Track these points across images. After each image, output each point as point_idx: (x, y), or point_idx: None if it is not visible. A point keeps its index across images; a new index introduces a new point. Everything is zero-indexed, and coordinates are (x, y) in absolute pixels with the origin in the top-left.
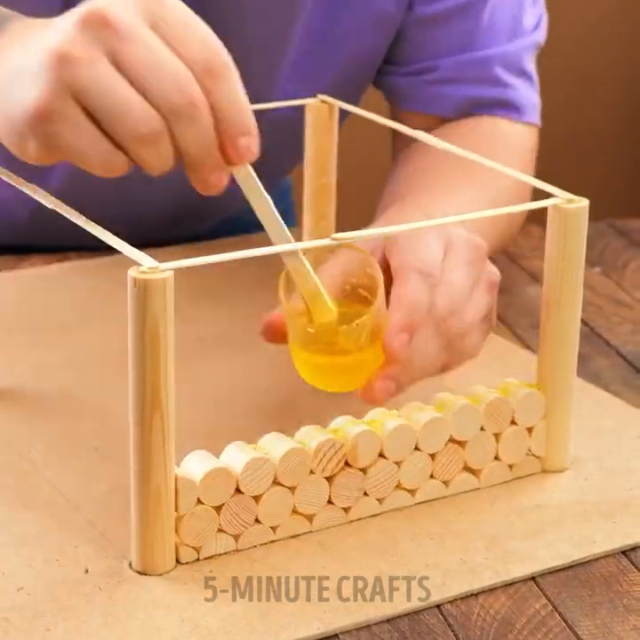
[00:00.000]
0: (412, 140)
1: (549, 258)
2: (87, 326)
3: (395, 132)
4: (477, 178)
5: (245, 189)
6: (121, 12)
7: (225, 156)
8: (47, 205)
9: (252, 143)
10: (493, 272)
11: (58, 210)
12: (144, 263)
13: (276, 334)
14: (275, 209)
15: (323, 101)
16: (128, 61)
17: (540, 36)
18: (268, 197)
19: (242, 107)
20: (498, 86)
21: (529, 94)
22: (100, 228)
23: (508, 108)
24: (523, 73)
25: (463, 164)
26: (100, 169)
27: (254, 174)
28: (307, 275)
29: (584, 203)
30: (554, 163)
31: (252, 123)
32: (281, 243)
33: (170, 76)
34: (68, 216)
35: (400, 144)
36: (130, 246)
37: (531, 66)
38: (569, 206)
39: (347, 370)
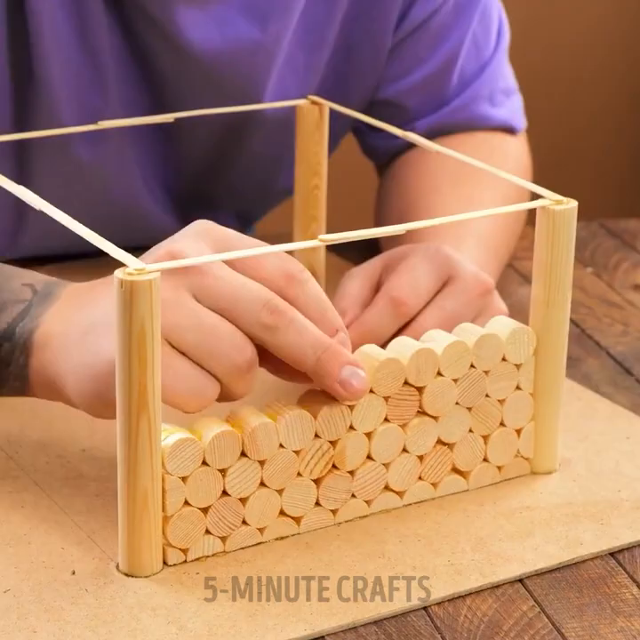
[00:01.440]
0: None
1: (538, 259)
2: None
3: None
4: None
5: None
6: (196, 253)
7: None
8: (35, 207)
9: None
10: (501, 309)
11: (46, 211)
12: (130, 264)
13: None
14: None
15: (313, 102)
16: (211, 295)
17: (505, 40)
18: None
19: (327, 305)
20: (479, 120)
21: (511, 107)
22: (87, 229)
23: (496, 130)
24: (500, 91)
25: (459, 178)
26: (193, 403)
27: None
28: None
29: (573, 204)
30: (546, 164)
31: (337, 320)
32: None
33: (255, 296)
34: (55, 217)
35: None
36: (116, 247)
37: (504, 76)
38: (557, 208)
39: None
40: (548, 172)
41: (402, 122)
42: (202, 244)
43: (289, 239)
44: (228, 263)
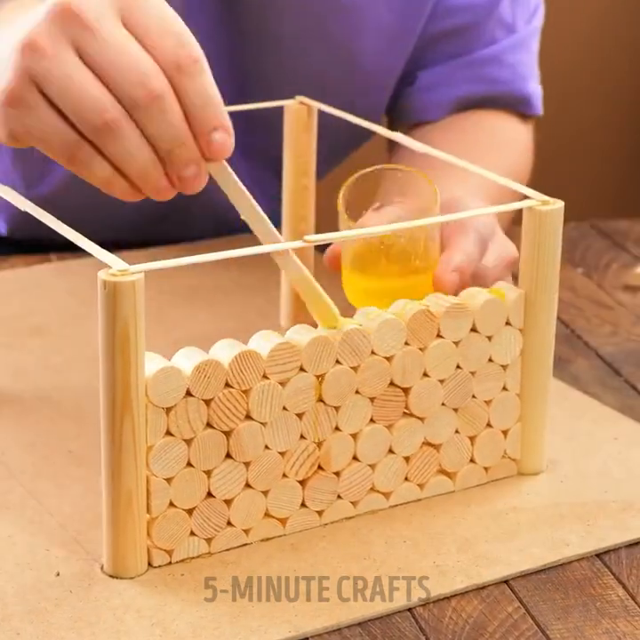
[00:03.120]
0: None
1: (525, 259)
2: (66, 328)
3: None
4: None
5: (223, 187)
6: (90, 5)
7: (199, 151)
8: (20, 208)
9: (225, 138)
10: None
11: (31, 212)
12: (114, 265)
13: (338, 262)
14: (257, 206)
15: (301, 103)
16: (92, 54)
17: (538, 21)
18: (248, 195)
19: (213, 101)
20: (488, 83)
21: (523, 85)
22: (72, 230)
23: (505, 103)
24: (519, 64)
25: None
26: (63, 158)
27: (231, 171)
28: (300, 277)
29: (559, 204)
30: (538, 163)
31: (224, 118)
32: (267, 240)
33: (134, 69)
34: (42, 219)
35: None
36: (99, 248)
37: (529, 55)
38: (544, 208)
39: (394, 295)
40: (540, 171)
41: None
42: None
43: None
44: (126, 20)
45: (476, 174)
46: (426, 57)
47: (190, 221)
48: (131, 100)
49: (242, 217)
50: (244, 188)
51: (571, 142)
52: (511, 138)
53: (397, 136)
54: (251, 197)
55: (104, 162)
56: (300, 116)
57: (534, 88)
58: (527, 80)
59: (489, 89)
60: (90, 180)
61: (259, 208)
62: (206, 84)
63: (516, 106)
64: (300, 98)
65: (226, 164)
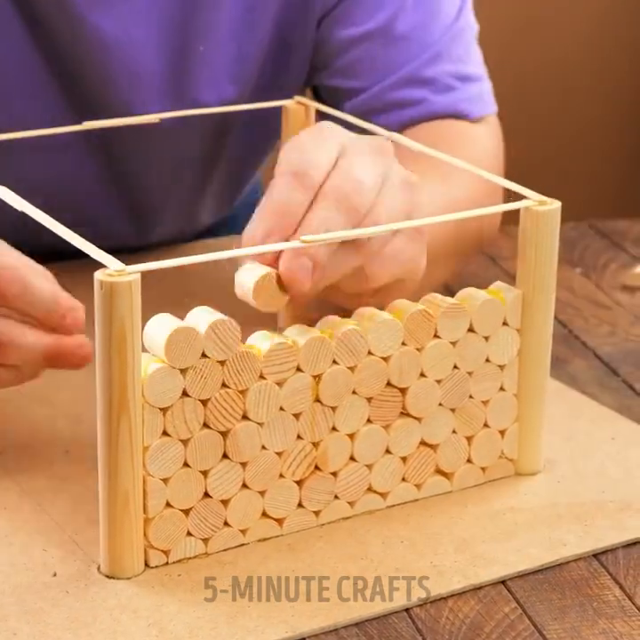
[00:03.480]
0: None
1: (522, 260)
2: None
3: None
4: (443, 172)
5: None
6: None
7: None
8: (16, 208)
9: (74, 317)
10: (408, 173)
11: (27, 212)
12: (110, 266)
13: None
14: None
15: (299, 103)
16: None
17: (459, 26)
18: None
19: (47, 304)
20: (413, 105)
21: (449, 97)
22: (68, 230)
23: (442, 115)
24: (440, 76)
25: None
26: None
27: None
28: None
29: (556, 205)
30: (536, 164)
31: (60, 304)
32: None
33: None
34: (37, 219)
35: None
36: (96, 248)
37: (451, 63)
38: (541, 208)
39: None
40: (539, 171)
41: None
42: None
43: None
44: None
45: (437, 191)
46: (347, 90)
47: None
48: None
49: None
50: None
51: (569, 142)
52: (465, 154)
53: (395, 136)
54: None
55: None
56: (297, 117)
57: (468, 93)
58: (453, 90)
59: (416, 110)
60: None
61: None
62: (37, 293)
63: (454, 116)
64: (297, 98)
65: None
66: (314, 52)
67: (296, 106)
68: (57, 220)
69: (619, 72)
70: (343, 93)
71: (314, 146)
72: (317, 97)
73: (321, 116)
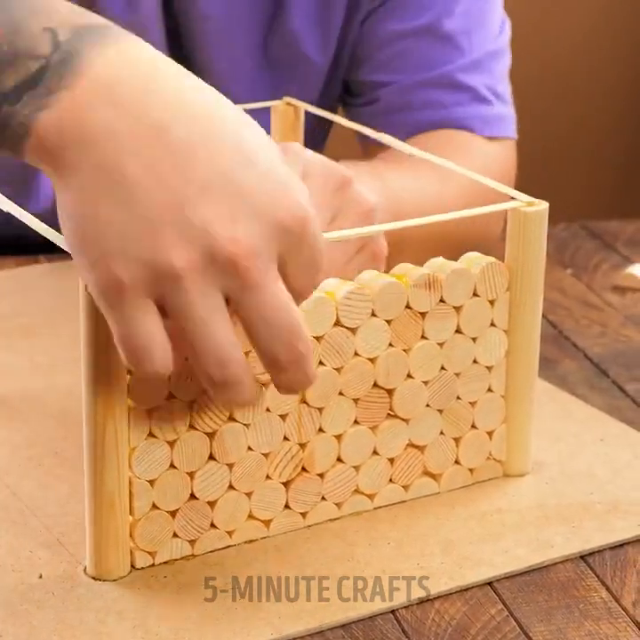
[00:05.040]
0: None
1: (509, 261)
2: (54, 329)
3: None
4: (442, 176)
5: None
6: (258, 264)
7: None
8: (2, 208)
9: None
10: (364, 199)
11: (13, 213)
12: None
13: None
14: None
15: (288, 104)
16: (245, 308)
17: (503, 42)
18: None
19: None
20: (440, 107)
21: (478, 108)
22: (53, 230)
23: (462, 125)
24: (474, 86)
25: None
26: (138, 365)
27: None
28: None
29: (543, 206)
30: (529, 164)
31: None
32: None
33: (286, 328)
34: (22, 219)
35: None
36: None
37: (488, 76)
38: (528, 209)
39: None
40: (531, 173)
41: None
42: (274, 239)
43: None
44: (280, 263)
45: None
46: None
47: None
48: (272, 357)
49: None
50: None
51: (561, 143)
52: (468, 164)
53: (385, 138)
54: None
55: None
56: (286, 117)
57: (495, 110)
58: (485, 102)
59: (442, 113)
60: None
61: None
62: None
63: (475, 129)
64: (287, 99)
65: None
66: (355, 48)
67: (285, 106)
68: None
69: (611, 73)
70: (377, 86)
71: None
72: (347, 93)
73: (310, 116)
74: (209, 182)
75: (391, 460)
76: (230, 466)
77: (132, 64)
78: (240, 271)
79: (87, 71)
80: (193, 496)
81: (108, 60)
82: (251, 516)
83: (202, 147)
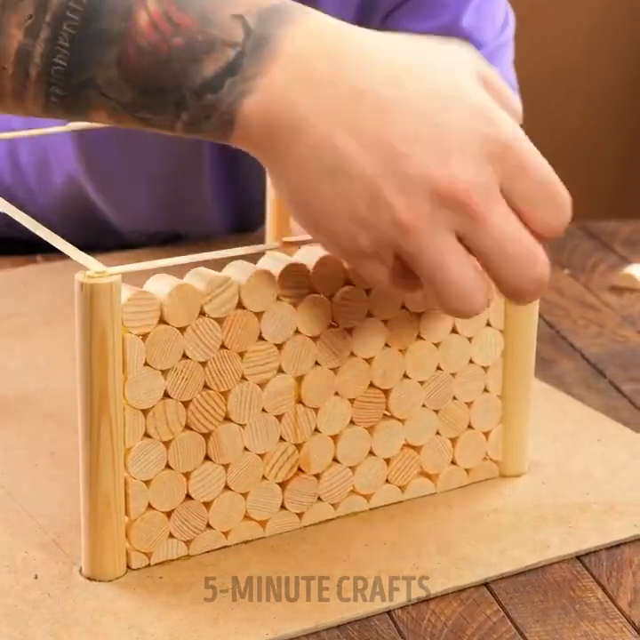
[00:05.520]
0: None
1: None
2: (50, 329)
3: None
4: None
5: None
6: (478, 191)
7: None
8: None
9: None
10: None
11: (8, 213)
12: (91, 267)
13: None
14: None
15: None
16: (477, 242)
17: (509, 33)
18: None
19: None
20: None
21: None
22: (48, 231)
23: None
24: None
25: None
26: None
27: None
28: None
29: None
30: None
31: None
32: None
33: (521, 259)
34: (17, 219)
35: None
36: (76, 249)
37: (499, 68)
38: None
39: None
40: None
41: None
42: (489, 169)
43: (262, 239)
44: (505, 194)
45: None
46: None
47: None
48: (514, 287)
49: None
50: None
51: (560, 143)
52: None
53: None
54: None
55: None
56: None
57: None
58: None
59: None
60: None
61: None
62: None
63: None
64: None
65: None
66: None
67: None
68: None
69: (611, 73)
70: None
71: None
72: None
73: None
74: (413, 133)
75: (387, 461)
76: (226, 466)
77: (317, 39)
78: (464, 206)
79: (279, 53)
80: (189, 496)
81: (295, 39)
82: (246, 517)
83: (397, 101)
